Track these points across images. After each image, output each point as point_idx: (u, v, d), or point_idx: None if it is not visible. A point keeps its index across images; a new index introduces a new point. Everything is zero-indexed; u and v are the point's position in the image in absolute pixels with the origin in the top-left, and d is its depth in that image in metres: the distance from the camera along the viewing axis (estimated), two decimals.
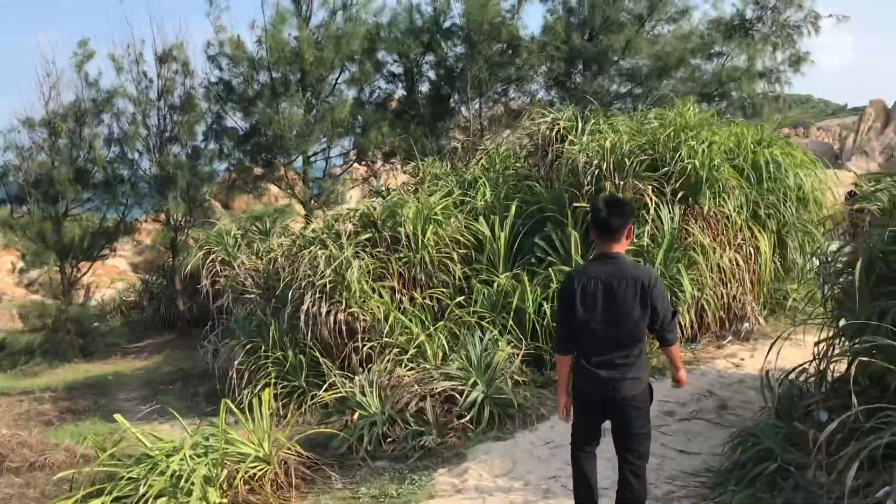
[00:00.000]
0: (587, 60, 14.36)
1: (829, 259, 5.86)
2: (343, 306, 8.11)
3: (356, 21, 13.80)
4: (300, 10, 14.31)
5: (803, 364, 5.67)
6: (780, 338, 5.74)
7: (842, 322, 5.49)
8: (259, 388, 7.88)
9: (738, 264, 8.86)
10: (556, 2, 15.00)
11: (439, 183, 10.76)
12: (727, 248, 8.92)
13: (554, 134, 10.55)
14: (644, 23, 14.34)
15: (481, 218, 9.25)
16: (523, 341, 7.80)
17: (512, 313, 7.96)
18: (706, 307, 8.37)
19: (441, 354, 7.62)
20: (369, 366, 7.39)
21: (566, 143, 10.00)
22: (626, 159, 8.87)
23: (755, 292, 9.28)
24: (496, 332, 7.60)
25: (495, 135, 14.47)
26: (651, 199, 8.38)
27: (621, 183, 8.76)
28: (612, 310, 3.87)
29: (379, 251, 8.78)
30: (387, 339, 7.78)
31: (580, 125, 10.36)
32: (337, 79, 15.00)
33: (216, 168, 15.51)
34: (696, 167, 8.60)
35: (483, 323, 7.90)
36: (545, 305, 7.97)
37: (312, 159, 15.32)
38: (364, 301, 8.26)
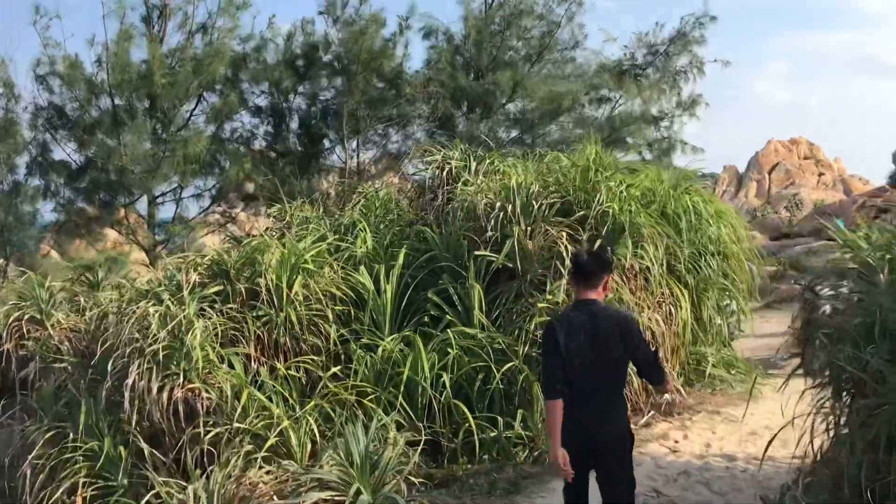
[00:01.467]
0: (473, 101, 13.17)
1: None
2: (181, 380, 6.16)
3: (218, 47, 11.95)
4: (150, 27, 12.33)
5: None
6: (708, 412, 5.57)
7: None
8: (63, 489, 5.83)
9: (658, 325, 7.63)
10: (439, 39, 13.79)
11: (310, 227, 9.02)
12: (646, 307, 7.68)
13: (444, 174, 9.10)
14: (534, 62, 13.35)
15: (362, 268, 7.58)
16: (417, 424, 6.15)
17: (402, 387, 6.30)
18: (638, 387, 7.04)
19: (310, 446, 5.82)
20: (212, 467, 5.46)
21: (459, 184, 8.58)
22: (535, 201, 7.52)
23: (675, 358, 8.07)
24: (382, 414, 5.89)
25: (375, 178, 12.94)
26: (566, 247, 7.01)
27: (529, 229, 7.38)
28: (596, 354, 3.89)
29: (231, 308, 6.91)
30: (238, 425, 5.88)
31: (474, 165, 8.98)
32: (193, 110, 13.08)
33: (39, 208, 12.99)
34: (615, 212, 7.34)
35: (365, 401, 6.18)
36: (444, 376, 6.36)
37: (160, 200, 13.18)
38: (209, 372, 6.34)
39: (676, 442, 6.71)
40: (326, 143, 13.63)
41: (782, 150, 52.84)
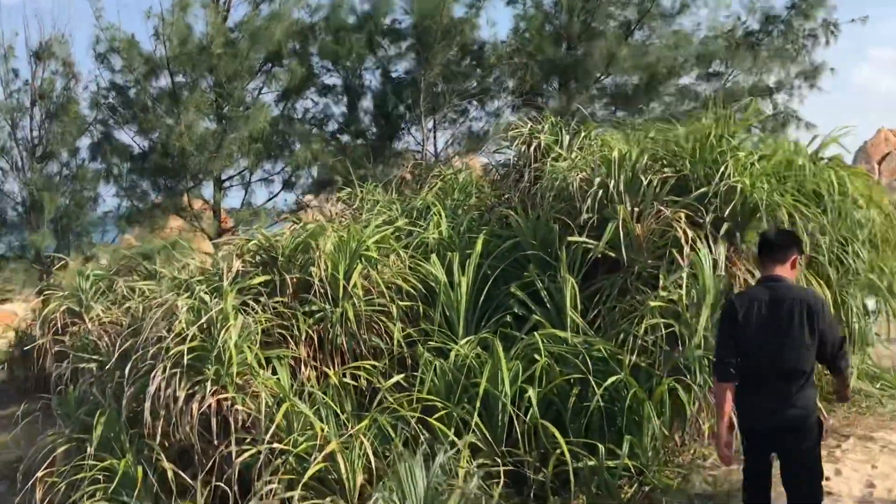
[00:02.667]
0: (564, 74, 11.80)
1: None
2: (213, 387, 5.13)
3: (279, 11, 10.98)
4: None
5: None
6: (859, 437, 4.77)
7: None
8: None
9: None
10: (527, 5, 12.45)
11: (378, 210, 7.93)
12: None
13: (532, 150, 7.84)
14: (632, 30, 11.87)
15: (433, 257, 6.41)
16: (496, 449, 4.95)
17: (478, 402, 5.09)
18: None
19: (362, 475, 4.69)
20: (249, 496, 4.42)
21: (549, 160, 7.32)
22: (642, 176, 6.17)
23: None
24: (453, 437, 4.72)
25: (454, 160, 11.77)
26: (685, 232, 5.65)
27: (636, 210, 6.05)
28: (777, 335, 3.67)
29: (279, 303, 5.85)
30: (275, 445, 4.81)
31: (566, 139, 7.69)
32: (261, 89, 12.20)
33: (100, 193, 12.34)
34: (745, 188, 5.92)
35: (431, 419, 5.00)
36: (529, 391, 5.12)
37: (227, 185, 12.36)
38: (249, 379, 5.30)
39: (827, 479, 5.26)
40: (402, 124, 12.47)
41: (893, 140, 49.20)
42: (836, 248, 6.82)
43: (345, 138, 12.66)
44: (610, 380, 5.20)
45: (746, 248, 6.09)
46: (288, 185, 12.94)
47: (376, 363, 5.70)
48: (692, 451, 5.44)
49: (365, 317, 5.91)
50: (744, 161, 6.19)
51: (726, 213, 5.97)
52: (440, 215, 7.46)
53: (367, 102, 12.71)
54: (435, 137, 12.48)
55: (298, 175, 12.36)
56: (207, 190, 12.44)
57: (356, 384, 5.67)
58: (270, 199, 13.31)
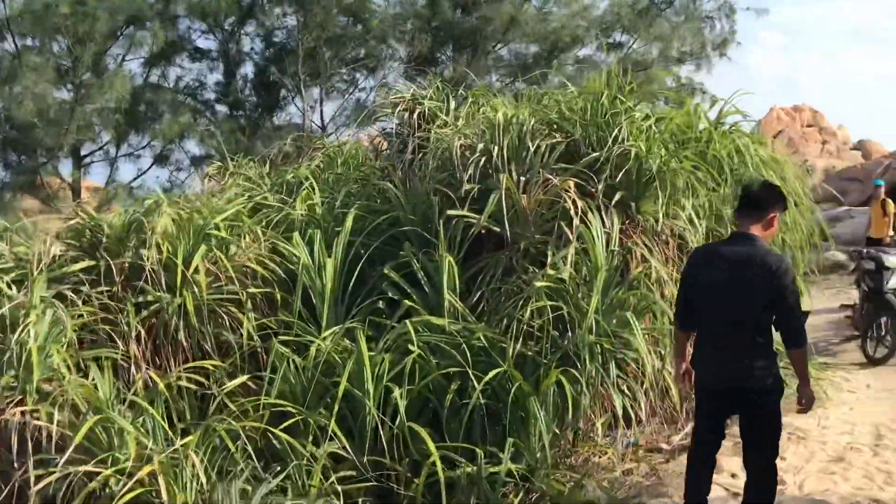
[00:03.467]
0: (460, 40, 11.08)
1: None
2: (6, 396, 4.20)
3: None
4: None
5: None
6: None
7: None
8: None
9: None
10: None
11: (242, 185, 7.04)
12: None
13: (416, 118, 7.09)
14: None
15: (296, 235, 5.58)
16: (359, 460, 4.22)
17: (336, 406, 4.34)
18: (669, 387, 5.10)
19: (191, 498, 3.88)
20: None
21: (434, 127, 6.60)
22: (529, 141, 5.52)
23: None
24: (312, 448, 3.96)
25: (341, 131, 10.92)
26: (575, 203, 5.03)
27: (523, 179, 5.39)
28: (734, 296, 3.51)
29: (105, 293, 4.92)
30: (82, 467, 3.93)
31: (452, 106, 6.98)
32: (124, 55, 10.98)
33: None
34: (640, 153, 5.35)
35: (276, 430, 4.23)
36: (395, 390, 4.40)
37: (88, 161, 11.13)
38: (61, 386, 4.38)
39: (734, 476, 4.76)
40: (284, 94, 11.50)
41: (785, 118, 51.05)
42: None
43: (222, 109, 11.60)
44: (491, 373, 4.53)
45: (643, 219, 5.54)
46: (160, 160, 11.79)
47: (220, 363, 4.85)
48: (586, 451, 4.84)
49: (211, 307, 5.04)
50: (639, 124, 5.63)
51: (620, 181, 5.40)
52: (313, 189, 6.63)
53: (246, 69, 11.69)
54: (322, 109, 11.58)
55: (170, 150, 11.23)
56: (67, 166, 11.18)
57: (200, 387, 4.81)
58: (139, 177, 12.11)
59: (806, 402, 3.71)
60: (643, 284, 5.06)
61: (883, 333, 7.88)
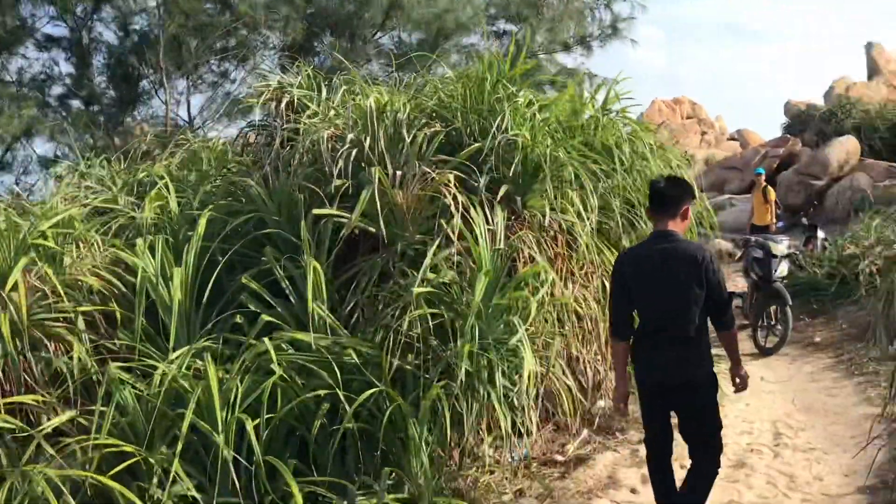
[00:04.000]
0: (338, 27, 10.46)
1: None
2: None
3: None
4: None
5: None
6: None
7: None
8: None
9: (588, 307, 5.42)
10: None
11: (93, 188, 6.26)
12: (570, 281, 5.42)
13: (284, 108, 6.49)
14: None
15: (139, 241, 4.88)
16: (209, 502, 3.61)
17: (181, 440, 3.71)
18: (559, 392, 4.74)
19: None
20: None
21: (304, 117, 6.02)
22: (405, 131, 5.02)
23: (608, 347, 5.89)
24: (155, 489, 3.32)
25: (213, 127, 10.11)
26: (455, 197, 4.56)
27: (398, 173, 4.88)
28: (667, 292, 3.62)
29: None
30: None
31: (322, 94, 6.42)
32: None
33: None
34: (525, 143, 4.94)
35: (103, 478, 3.56)
36: (246, 422, 3.80)
37: None
38: None
39: (634, 492, 4.42)
40: (146, 85, 10.57)
41: (666, 110, 52.89)
42: (629, 211, 6.11)
43: (75, 103, 10.54)
44: (366, 393, 4.01)
45: (529, 214, 5.14)
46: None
47: (45, 396, 4.11)
48: (474, 472, 4.38)
49: (32, 329, 4.29)
50: (523, 111, 5.21)
51: (505, 173, 4.97)
52: (168, 189, 5.91)
53: (102, 60, 10.66)
54: (188, 102, 10.71)
55: (15, 151, 10.09)
56: None
57: (20, 425, 4.06)
58: None
59: (740, 382, 3.81)
60: (531, 284, 4.64)
61: (773, 323, 7.84)
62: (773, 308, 7.79)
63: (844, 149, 17.70)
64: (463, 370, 4.05)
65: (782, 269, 7.89)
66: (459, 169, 4.91)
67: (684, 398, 3.69)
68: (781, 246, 8.02)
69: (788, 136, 24.53)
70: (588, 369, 5.50)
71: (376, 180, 4.58)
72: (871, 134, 18.94)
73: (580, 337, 5.51)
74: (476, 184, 4.84)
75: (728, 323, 3.69)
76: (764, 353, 7.69)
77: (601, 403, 5.74)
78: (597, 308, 5.48)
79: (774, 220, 11.37)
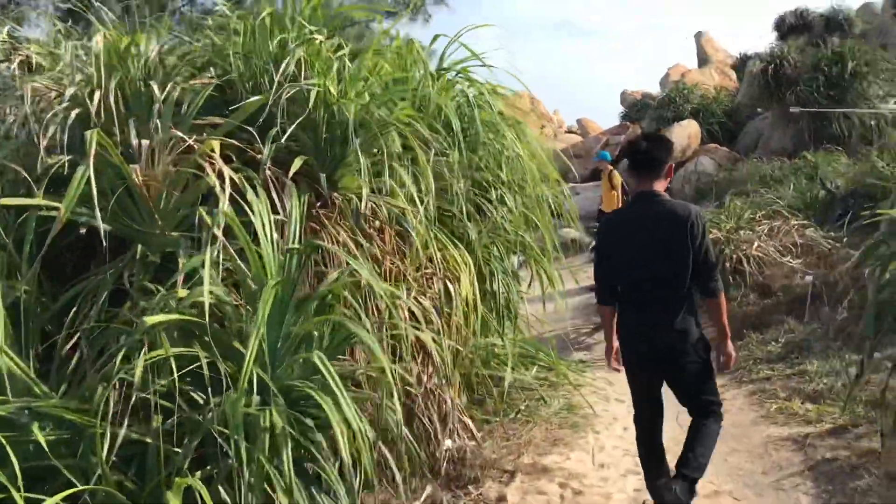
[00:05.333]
0: None
1: None
2: None
3: None
4: None
5: None
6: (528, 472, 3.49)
7: None
8: None
9: (430, 317, 4.11)
10: None
11: None
12: (404, 286, 4.09)
13: (16, 67, 4.74)
14: None
15: None
16: None
17: None
18: (393, 440, 3.38)
19: None
20: None
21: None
22: (154, 83, 3.47)
23: (456, 371, 4.67)
24: None
25: None
26: (221, 174, 3.07)
27: (145, 143, 3.32)
28: (653, 255, 3.46)
29: None
30: None
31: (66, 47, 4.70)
32: None
33: None
34: (331, 97, 3.53)
35: None
36: None
37: None
38: None
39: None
40: None
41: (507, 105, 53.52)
42: (477, 195, 4.85)
43: None
44: (61, 494, 2.45)
45: (343, 198, 3.73)
46: None
47: None
48: None
49: None
50: (327, 57, 3.78)
51: (302, 141, 3.54)
52: None
53: None
54: None
55: None
56: None
57: None
58: None
59: (725, 359, 3.55)
60: (343, 300, 3.24)
61: None
62: None
63: (686, 133, 17.56)
64: (234, 443, 2.59)
65: None
66: (234, 134, 3.42)
67: (671, 358, 3.48)
68: None
69: (628, 122, 24.61)
70: (430, 404, 4.19)
71: (93, 151, 3.00)
72: (709, 119, 18.98)
73: (421, 359, 4.20)
74: (258, 154, 3.36)
75: (714, 289, 3.45)
76: None
77: (448, 443, 4.46)
78: (437, 319, 4.17)
79: (622, 206, 10.65)
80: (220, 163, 3.13)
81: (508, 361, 5.05)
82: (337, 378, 2.86)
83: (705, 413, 3.56)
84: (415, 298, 3.99)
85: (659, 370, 3.59)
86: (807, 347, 5.41)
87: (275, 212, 3.24)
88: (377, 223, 3.96)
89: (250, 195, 3.14)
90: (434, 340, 3.85)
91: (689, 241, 3.35)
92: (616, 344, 3.66)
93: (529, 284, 5.94)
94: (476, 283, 4.62)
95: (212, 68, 3.88)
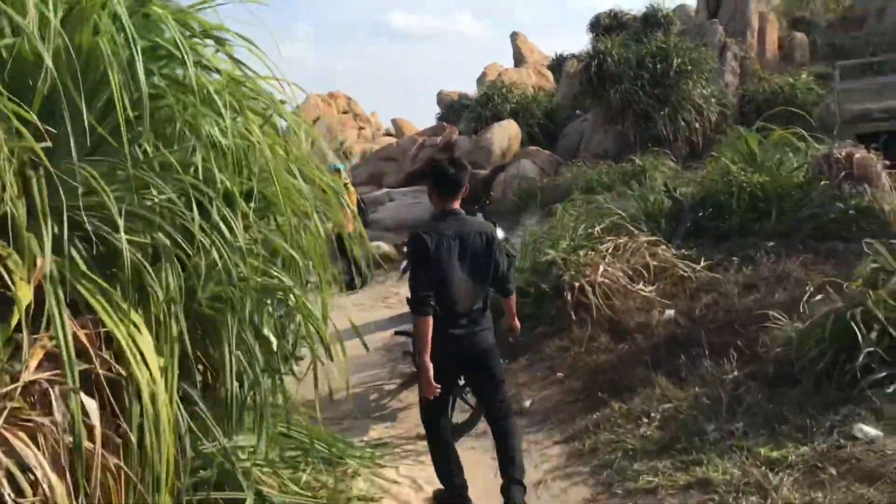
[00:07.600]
0: None
1: None
2: None
3: None
4: None
5: None
6: None
7: None
8: None
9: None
10: None
11: None
12: None
13: None
14: None
15: None
16: None
17: None
18: None
19: None
20: None
21: None
22: None
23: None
24: None
25: None
26: None
27: None
28: (468, 264, 3.81)
29: None
30: None
31: None
32: None
33: None
34: None
35: None
36: None
37: None
38: None
39: None
40: None
41: (322, 105, 52.27)
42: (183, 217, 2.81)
43: None
44: None
45: None
46: None
47: None
48: None
49: None
50: None
51: None
52: None
53: None
54: None
55: None
56: None
57: None
58: None
59: (511, 329, 4.21)
60: None
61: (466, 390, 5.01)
62: None
63: (507, 134, 16.28)
64: None
65: None
66: None
67: (483, 363, 3.84)
68: None
69: (444, 123, 23.21)
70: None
71: None
72: (529, 120, 17.89)
73: None
74: None
75: (512, 288, 4.11)
76: (455, 431, 4.86)
77: None
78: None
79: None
80: None
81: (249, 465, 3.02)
82: None
83: (507, 413, 3.90)
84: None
85: (463, 372, 4.00)
86: (697, 432, 3.80)
87: None
88: None
89: None
90: None
91: (494, 250, 3.84)
92: (429, 365, 3.65)
93: (306, 371, 3.81)
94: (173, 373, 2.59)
95: None
